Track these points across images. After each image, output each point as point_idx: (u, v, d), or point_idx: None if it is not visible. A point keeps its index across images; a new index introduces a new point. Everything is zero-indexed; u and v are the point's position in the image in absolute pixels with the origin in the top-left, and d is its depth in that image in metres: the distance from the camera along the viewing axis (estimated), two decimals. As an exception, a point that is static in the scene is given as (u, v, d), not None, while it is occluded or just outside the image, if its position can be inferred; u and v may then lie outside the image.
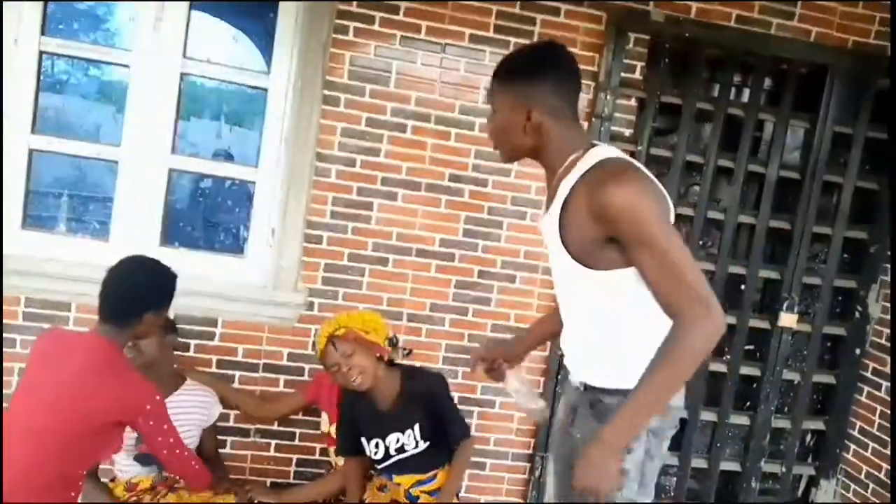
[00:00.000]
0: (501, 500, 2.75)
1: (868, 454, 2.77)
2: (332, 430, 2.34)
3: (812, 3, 2.62)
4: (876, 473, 2.73)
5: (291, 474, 2.63)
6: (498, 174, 2.57)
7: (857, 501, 2.81)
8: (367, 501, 2.21)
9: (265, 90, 2.49)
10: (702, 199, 2.67)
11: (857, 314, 2.83)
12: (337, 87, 2.46)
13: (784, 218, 2.75)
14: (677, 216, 2.52)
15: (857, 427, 2.84)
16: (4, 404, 1.74)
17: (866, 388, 2.82)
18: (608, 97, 2.54)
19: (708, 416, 2.80)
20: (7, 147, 2.37)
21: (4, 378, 2.33)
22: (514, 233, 2.62)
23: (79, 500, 1.74)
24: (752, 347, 2.85)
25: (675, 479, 2.86)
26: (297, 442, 2.62)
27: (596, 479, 1.33)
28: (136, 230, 2.46)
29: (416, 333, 2.59)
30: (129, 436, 1.93)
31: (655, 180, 1.39)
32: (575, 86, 1.48)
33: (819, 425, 2.90)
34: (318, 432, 2.54)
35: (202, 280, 2.44)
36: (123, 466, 2.15)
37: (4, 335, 2.38)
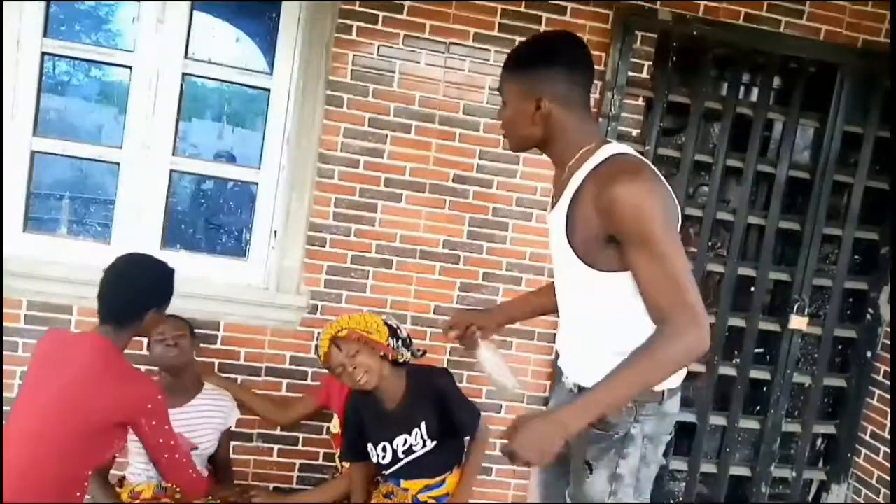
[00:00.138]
0: (507, 506, 2.71)
1: (879, 458, 2.74)
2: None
3: (821, 1, 2.59)
4: (887, 478, 2.69)
5: (294, 479, 2.61)
6: (503, 175, 2.55)
7: (869, 506, 2.77)
8: (372, 507, 2.18)
9: (267, 91, 2.47)
10: (710, 199, 2.64)
11: (868, 316, 2.79)
12: (340, 88, 2.43)
13: (794, 219, 2.72)
14: (686, 217, 2.51)
15: (869, 431, 2.80)
16: (5, 407, 1.72)
17: (877, 392, 2.78)
18: (615, 96, 2.51)
19: (717, 420, 2.77)
20: (9, 149, 2.36)
21: (6, 381, 2.32)
22: (520, 234, 2.59)
23: (83, 501, 1.73)
24: (761, 350, 2.82)
25: (684, 484, 2.83)
26: (300, 447, 2.59)
27: (530, 450, 1.27)
28: (138, 232, 2.45)
29: (420, 336, 2.55)
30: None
31: (666, 184, 1.37)
32: (587, 76, 1.43)
33: (830, 429, 2.87)
34: (321, 437, 2.51)
35: (204, 283, 2.44)
36: (138, 469, 2.12)
37: (6, 338, 2.36)
